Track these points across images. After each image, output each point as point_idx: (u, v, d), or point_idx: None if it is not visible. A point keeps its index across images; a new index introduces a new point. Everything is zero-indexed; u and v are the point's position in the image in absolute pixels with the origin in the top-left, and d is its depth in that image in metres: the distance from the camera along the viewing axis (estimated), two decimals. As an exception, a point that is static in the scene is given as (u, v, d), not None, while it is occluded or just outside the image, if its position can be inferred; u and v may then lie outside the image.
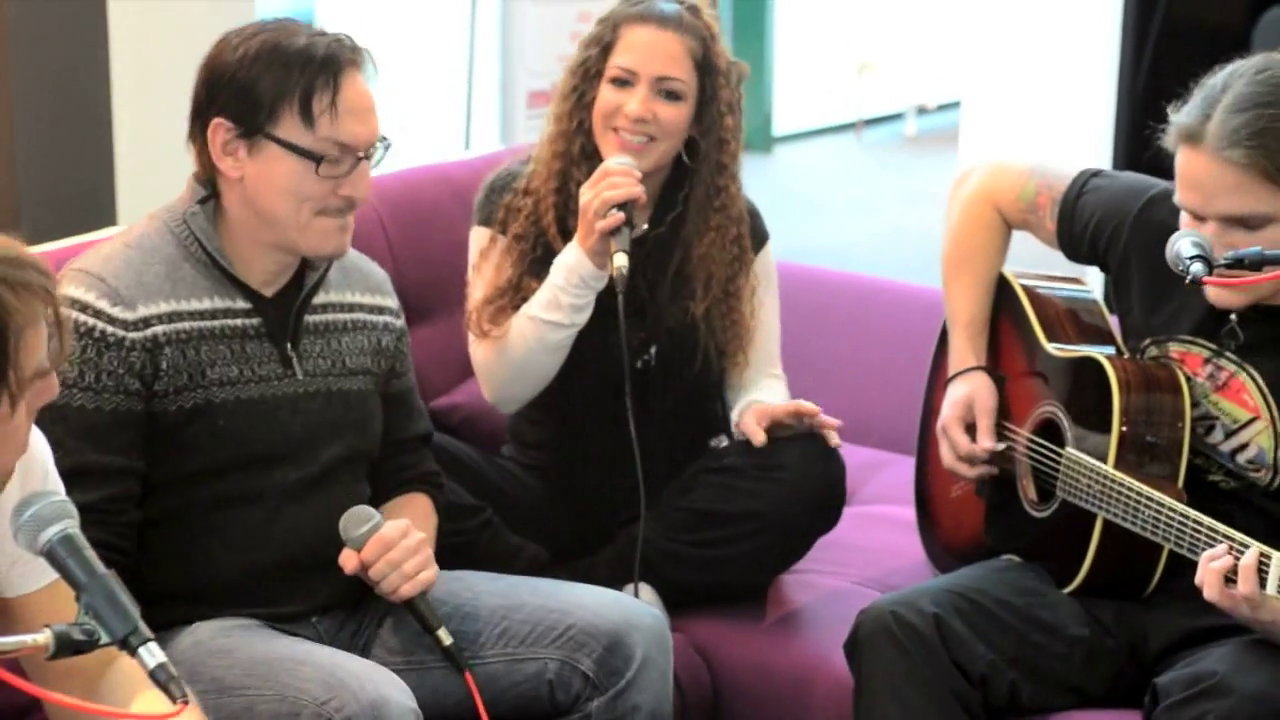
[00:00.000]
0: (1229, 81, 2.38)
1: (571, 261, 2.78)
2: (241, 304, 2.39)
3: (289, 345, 2.43)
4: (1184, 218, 2.45)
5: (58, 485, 1.89)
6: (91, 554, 1.64)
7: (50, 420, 1.99)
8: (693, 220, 2.90)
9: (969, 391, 2.76)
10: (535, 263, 2.87)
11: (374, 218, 3.23)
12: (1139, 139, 4.71)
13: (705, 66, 2.86)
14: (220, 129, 2.34)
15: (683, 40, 2.84)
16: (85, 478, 2.21)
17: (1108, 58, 5.00)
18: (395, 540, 2.38)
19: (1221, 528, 2.31)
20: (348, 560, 2.39)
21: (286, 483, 2.41)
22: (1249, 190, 2.35)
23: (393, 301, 2.61)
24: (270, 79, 2.31)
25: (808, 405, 2.85)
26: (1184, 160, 2.40)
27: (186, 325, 2.34)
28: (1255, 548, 2.25)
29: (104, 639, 1.58)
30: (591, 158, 2.87)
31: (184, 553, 2.37)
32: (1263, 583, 2.23)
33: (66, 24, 4.20)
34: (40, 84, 4.18)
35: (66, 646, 1.58)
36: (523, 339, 2.82)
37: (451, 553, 2.62)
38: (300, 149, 2.32)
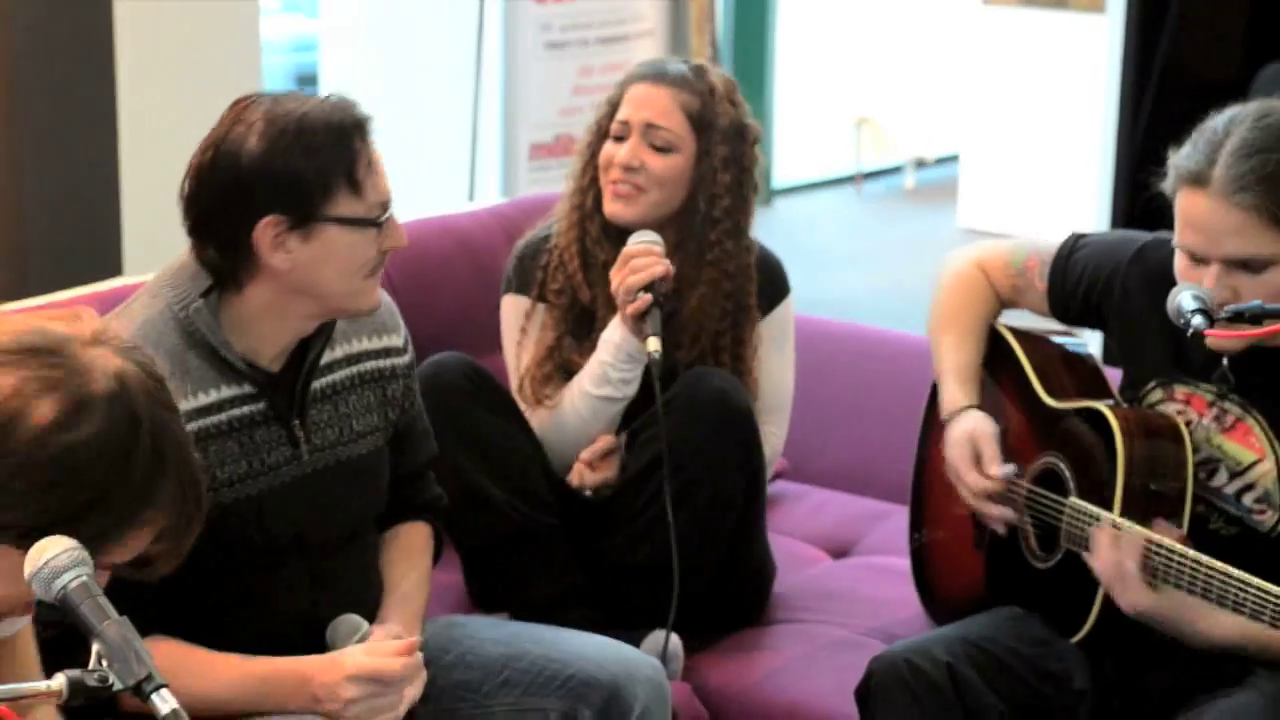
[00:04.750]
0: (1230, 127, 2.40)
1: (617, 339, 2.88)
2: (247, 389, 2.32)
3: (296, 423, 2.36)
4: (1179, 261, 2.46)
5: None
6: (105, 601, 1.64)
7: None
8: (683, 274, 2.94)
9: (968, 427, 2.71)
10: (574, 321, 2.97)
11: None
12: (1137, 191, 4.75)
13: (701, 122, 2.94)
14: (269, 227, 2.24)
15: (676, 95, 2.95)
16: (116, 594, 2.20)
17: (1106, 111, 5.03)
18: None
19: (1235, 572, 2.33)
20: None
21: (295, 576, 2.37)
22: (1254, 234, 2.36)
23: (399, 337, 2.55)
24: (312, 162, 2.24)
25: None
26: (1188, 203, 2.41)
27: (194, 426, 2.24)
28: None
29: (117, 685, 1.58)
30: (603, 210, 2.98)
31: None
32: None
33: (74, 73, 4.23)
34: (47, 134, 4.21)
35: (80, 692, 1.57)
36: (576, 413, 2.92)
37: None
38: (360, 220, 2.28)
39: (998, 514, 2.69)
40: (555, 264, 3.00)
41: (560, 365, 2.96)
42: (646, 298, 2.81)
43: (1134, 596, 2.42)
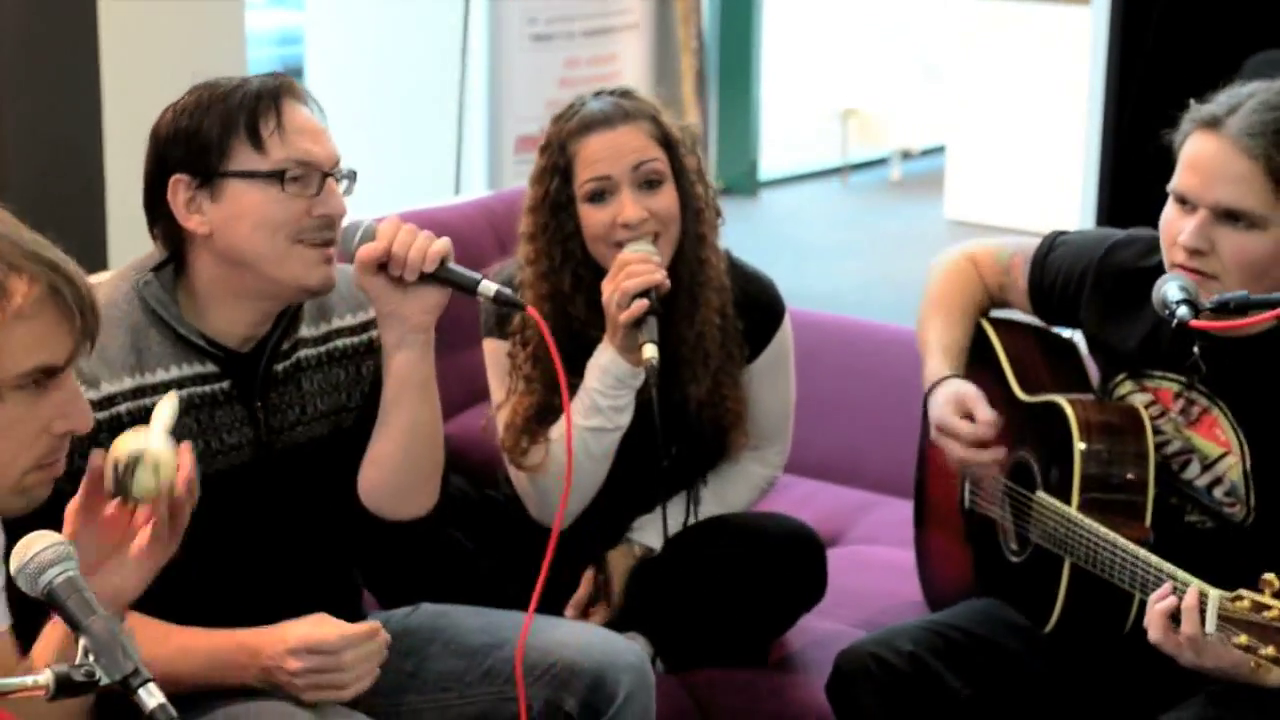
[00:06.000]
0: (1254, 90, 2.42)
1: (604, 362, 2.69)
2: (210, 368, 2.32)
3: (259, 404, 2.35)
4: (1167, 211, 2.44)
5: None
6: (91, 595, 1.64)
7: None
8: (680, 305, 2.78)
9: (952, 389, 2.66)
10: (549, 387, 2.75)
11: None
12: (1121, 183, 4.75)
13: (667, 141, 2.75)
14: (179, 186, 2.28)
15: (637, 126, 2.74)
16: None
17: (1090, 102, 5.04)
18: (398, 222, 2.34)
19: (1168, 566, 2.32)
20: (369, 251, 2.32)
21: (253, 563, 2.34)
22: (1251, 184, 2.36)
23: None
24: (213, 120, 2.27)
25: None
26: (1196, 144, 2.41)
27: (151, 401, 2.19)
28: (1194, 586, 2.25)
29: (104, 680, 1.57)
30: (590, 287, 2.73)
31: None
32: (1202, 620, 2.23)
33: (59, 68, 4.23)
34: (32, 128, 4.20)
35: (66, 687, 1.57)
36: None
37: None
38: (260, 173, 2.27)
39: (989, 457, 2.62)
40: (527, 356, 2.77)
41: (548, 422, 2.75)
42: (643, 303, 2.62)
43: (1185, 660, 2.30)
